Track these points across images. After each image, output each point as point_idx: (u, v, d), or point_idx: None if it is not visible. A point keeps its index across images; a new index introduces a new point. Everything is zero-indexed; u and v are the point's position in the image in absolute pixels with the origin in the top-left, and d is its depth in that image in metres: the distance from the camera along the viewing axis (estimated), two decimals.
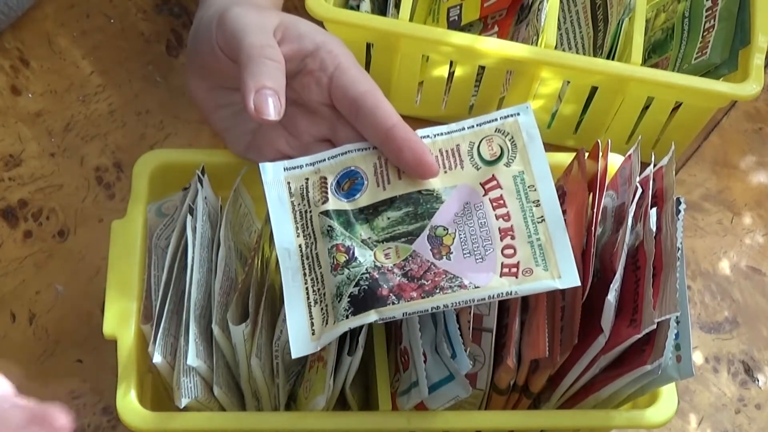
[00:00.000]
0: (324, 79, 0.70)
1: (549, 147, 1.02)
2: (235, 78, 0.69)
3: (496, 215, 0.65)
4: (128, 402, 0.70)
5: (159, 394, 0.78)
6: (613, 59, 0.99)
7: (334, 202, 0.67)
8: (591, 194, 0.74)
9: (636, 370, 0.68)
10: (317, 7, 0.92)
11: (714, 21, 0.98)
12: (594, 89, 0.97)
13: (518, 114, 0.69)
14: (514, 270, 0.64)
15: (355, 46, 0.95)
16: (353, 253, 0.65)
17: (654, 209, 0.72)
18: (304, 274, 0.65)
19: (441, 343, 0.66)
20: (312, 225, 0.67)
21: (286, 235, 0.67)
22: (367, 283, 0.63)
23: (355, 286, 0.63)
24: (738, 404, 0.94)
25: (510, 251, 0.64)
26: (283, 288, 0.66)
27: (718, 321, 0.98)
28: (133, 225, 0.76)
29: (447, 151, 0.68)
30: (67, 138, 0.98)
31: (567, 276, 0.64)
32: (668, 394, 0.74)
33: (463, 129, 0.68)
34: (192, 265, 0.71)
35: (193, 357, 0.69)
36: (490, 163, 0.67)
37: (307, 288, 0.65)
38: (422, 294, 0.63)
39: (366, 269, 0.64)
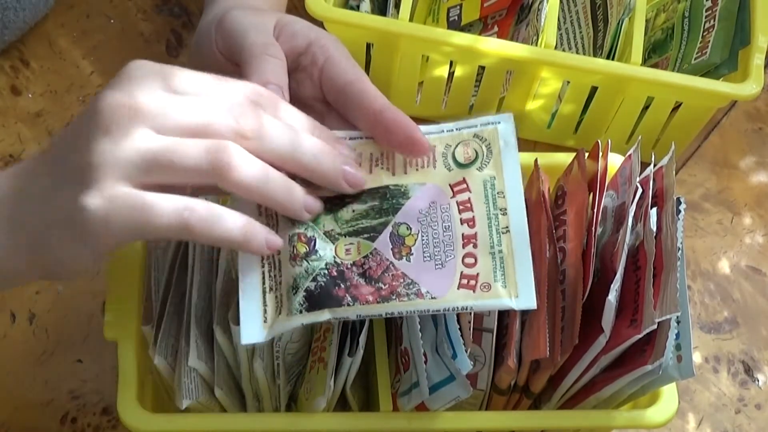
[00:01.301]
0: (315, 73, 0.70)
1: (549, 147, 1.04)
2: None
3: (461, 219, 0.64)
4: (129, 404, 0.70)
5: (160, 395, 0.78)
6: (613, 59, 0.99)
7: None
8: (591, 194, 0.74)
9: (637, 370, 0.68)
10: (317, 7, 0.92)
11: (714, 21, 0.98)
12: (594, 89, 0.97)
13: (499, 122, 0.68)
14: (472, 283, 0.63)
15: (355, 46, 0.96)
16: (314, 245, 0.63)
17: (654, 209, 0.72)
18: (261, 257, 0.64)
19: (442, 344, 0.66)
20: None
21: (247, 212, 0.64)
22: (324, 279, 0.62)
23: (312, 281, 0.62)
24: (738, 404, 0.94)
25: (471, 260, 0.63)
26: (238, 267, 0.64)
27: (717, 321, 0.98)
28: None
29: None
30: None
31: (524, 296, 0.62)
32: (669, 394, 0.74)
33: (442, 132, 0.67)
34: (193, 266, 0.71)
35: (194, 358, 0.69)
36: (463, 166, 0.66)
37: (263, 272, 0.64)
38: (378, 299, 0.62)
39: (325, 264, 0.63)
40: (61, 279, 0.65)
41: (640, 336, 0.67)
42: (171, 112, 0.58)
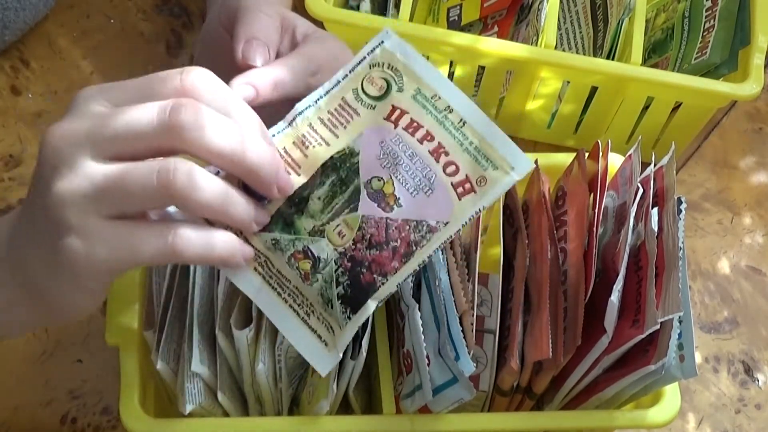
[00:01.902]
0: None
1: (549, 147, 1.04)
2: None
3: (417, 140, 0.62)
4: (132, 409, 0.70)
5: (162, 400, 0.77)
6: (613, 59, 0.99)
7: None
8: (592, 194, 0.74)
9: (639, 371, 0.68)
10: (317, 7, 0.92)
11: (714, 21, 0.98)
12: (594, 89, 0.97)
13: (382, 42, 0.64)
14: (468, 186, 0.60)
15: (355, 46, 0.95)
16: (312, 253, 0.62)
17: (655, 209, 0.72)
18: (279, 294, 0.62)
19: (444, 346, 0.66)
20: (253, 246, 0.62)
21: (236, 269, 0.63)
22: (346, 277, 0.61)
23: (337, 287, 0.61)
24: (738, 404, 0.94)
25: (452, 168, 0.61)
26: (271, 319, 0.63)
27: (718, 321, 0.98)
28: None
29: (335, 108, 0.64)
30: None
31: (518, 164, 0.60)
32: (671, 393, 0.74)
33: (339, 82, 0.64)
34: (194, 271, 0.70)
35: (197, 363, 0.68)
36: (383, 96, 0.63)
37: (290, 305, 0.63)
38: (402, 258, 0.61)
39: (335, 262, 0.61)
40: (66, 322, 0.64)
41: (642, 336, 0.67)
42: (105, 130, 0.55)
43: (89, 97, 0.57)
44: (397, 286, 0.61)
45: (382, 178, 0.62)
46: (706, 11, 0.99)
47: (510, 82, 0.99)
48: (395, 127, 0.62)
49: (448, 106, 0.62)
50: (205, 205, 0.56)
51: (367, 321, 0.68)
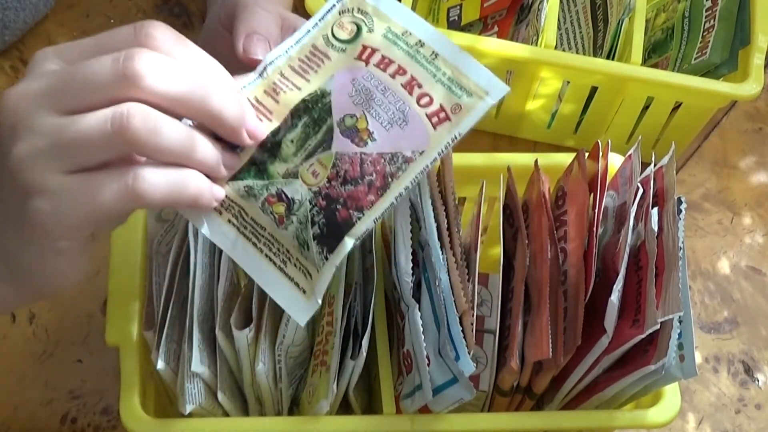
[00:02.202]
0: None
1: (549, 147, 1.04)
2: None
3: (390, 74, 0.61)
4: (132, 409, 0.70)
5: (162, 400, 0.77)
6: (613, 59, 0.99)
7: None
8: (592, 194, 0.74)
9: (639, 370, 0.68)
10: (317, 7, 0.91)
11: (714, 21, 0.98)
12: (594, 89, 0.97)
13: None
14: (442, 115, 0.59)
15: None
16: (285, 195, 0.60)
17: (655, 209, 0.72)
18: (254, 244, 0.60)
19: (444, 346, 0.66)
20: (226, 196, 0.61)
21: (210, 220, 0.61)
22: (321, 216, 0.59)
23: (312, 227, 0.59)
24: (738, 404, 0.94)
25: (426, 99, 0.60)
26: (247, 271, 0.61)
27: (717, 321, 0.98)
28: (133, 231, 0.76)
29: (306, 56, 0.63)
30: None
31: (493, 89, 0.59)
32: (671, 393, 0.74)
33: (308, 31, 0.63)
34: (194, 271, 0.70)
35: (197, 363, 0.68)
36: (353, 39, 0.62)
37: (266, 255, 0.61)
38: (377, 192, 0.59)
39: (309, 202, 0.60)
40: (53, 296, 0.63)
41: (642, 336, 0.67)
42: (61, 85, 0.54)
43: (44, 58, 0.56)
44: (374, 221, 0.59)
45: (354, 114, 0.60)
46: (706, 11, 0.99)
47: (510, 82, 0.98)
48: (366, 65, 0.61)
49: (419, 41, 0.61)
50: (165, 149, 0.54)
51: (366, 321, 0.68)
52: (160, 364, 0.69)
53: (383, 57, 0.61)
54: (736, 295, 0.99)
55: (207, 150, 0.57)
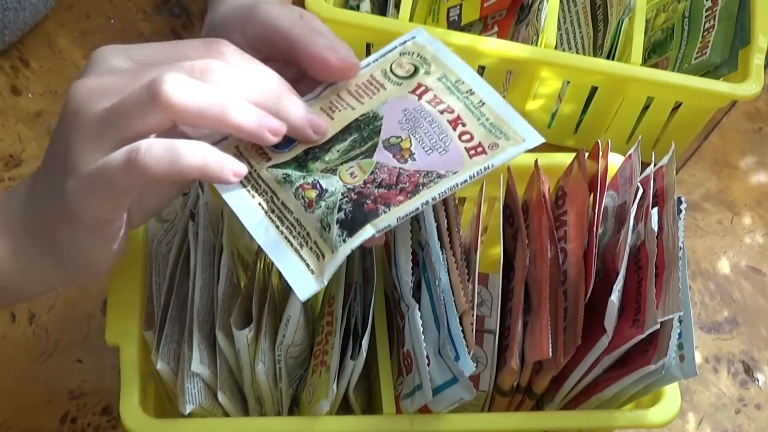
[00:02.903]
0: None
1: (549, 147, 1.03)
2: None
3: (439, 111, 0.65)
4: (132, 409, 0.69)
5: (162, 400, 0.77)
6: (613, 59, 0.99)
7: (277, 157, 0.65)
8: (592, 194, 0.74)
9: (639, 370, 0.68)
10: (317, 7, 0.92)
11: (714, 21, 0.98)
12: (594, 89, 0.97)
13: (414, 37, 0.69)
14: (480, 150, 0.63)
15: (355, 46, 0.95)
16: (320, 185, 0.62)
17: (655, 209, 0.72)
18: (277, 227, 0.62)
19: (444, 346, 0.66)
20: (263, 180, 0.63)
21: (241, 200, 0.63)
22: (350, 205, 0.61)
23: (339, 212, 0.61)
24: (738, 404, 0.94)
25: (467, 136, 0.64)
26: (264, 249, 0.62)
27: (718, 321, 0.98)
28: (133, 231, 0.75)
29: (363, 83, 0.67)
30: None
31: (530, 137, 0.63)
32: (671, 393, 0.74)
33: (369, 64, 0.68)
34: (195, 271, 0.70)
35: (197, 363, 0.68)
36: (410, 76, 0.67)
37: (286, 237, 0.62)
38: (407, 195, 0.61)
39: (341, 194, 0.62)
40: (89, 277, 0.65)
41: (643, 336, 0.67)
42: (129, 82, 0.57)
43: (112, 54, 0.59)
44: (397, 220, 0.60)
45: (400, 137, 0.64)
46: (706, 11, 0.99)
47: (510, 82, 0.99)
48: (419, 100, 0.66)
49: (470, 89, 0.65)
50: (201, 111, 0.56)
51: (366, 321, 0.68)
52: (160, 364, 0.69)
53: (435, 96, 0.66)
54: (736, 295, 1.00)
55: (246, 111, 0.58)
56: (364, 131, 0.64)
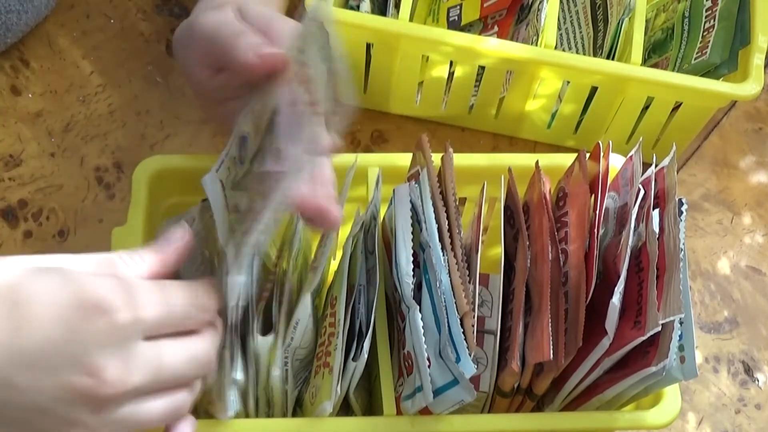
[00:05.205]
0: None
1: (549, 147, 1.04)
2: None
3: None
4: None
5: None
6: (613, 59, 0.99)
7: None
8: (593, 195, 0.74)
9: (640, 372, 0.68)
10: (317, 6, 0.91)
11: (714, 21, 0.98)
12: (594, 89, 0.97)
13: None
14: None
15: (355, 46, 0.96)
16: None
17: (656, 210, 0.72)
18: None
19: (445, 348, 0.66)
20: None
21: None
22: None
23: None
24: (738, 404, 0.94)
25: None
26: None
27: (718, 321, 0.98)
28: (134, 232, 0.75)
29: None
30: (67, 138, 0.98)
31: None
32: (672, 394, 0.74)
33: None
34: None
35: (237, 370, 0.69)
36: None
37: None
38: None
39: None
40: None
41: (644, 338, 0.67)
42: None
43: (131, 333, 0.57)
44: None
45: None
46: (706, 11, 0.99)
47: (510, 82, 0.98)
48: None
49: None
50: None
51: (369, 322, 0.68)
52: None
53: None
54: (736, 295, 1.00)
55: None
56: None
